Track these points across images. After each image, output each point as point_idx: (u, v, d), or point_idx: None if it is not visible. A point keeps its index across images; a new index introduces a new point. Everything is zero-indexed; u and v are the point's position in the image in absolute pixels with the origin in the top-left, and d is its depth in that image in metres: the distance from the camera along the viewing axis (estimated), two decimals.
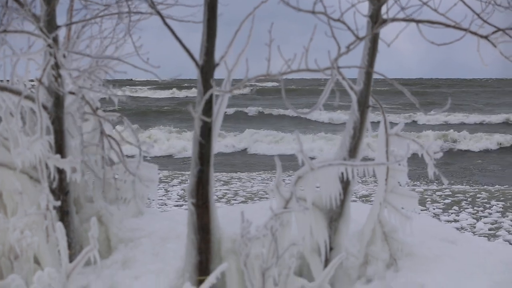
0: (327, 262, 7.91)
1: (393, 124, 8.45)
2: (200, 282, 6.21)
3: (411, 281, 8.01)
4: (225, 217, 8.34)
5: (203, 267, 8.07)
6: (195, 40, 7.68)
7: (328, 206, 8.14)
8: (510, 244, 17.66)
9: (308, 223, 8.06)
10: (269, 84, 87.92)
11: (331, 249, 8.20)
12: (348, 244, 8.31)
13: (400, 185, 8.39)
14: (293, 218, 7.98)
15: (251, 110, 59.31)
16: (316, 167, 7.77)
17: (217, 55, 7.69)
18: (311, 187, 7.92)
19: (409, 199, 8.41)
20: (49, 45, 8.14)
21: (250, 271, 6.67)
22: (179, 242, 8.65)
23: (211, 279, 6.13)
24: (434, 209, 21.99)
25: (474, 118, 56.32)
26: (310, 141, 40.60)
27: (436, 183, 26.23)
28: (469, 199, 23.26)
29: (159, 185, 23.41)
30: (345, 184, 8.08)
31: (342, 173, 7.86)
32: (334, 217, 8.23)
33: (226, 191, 24.06)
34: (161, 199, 22.12)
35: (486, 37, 7.83)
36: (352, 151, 8.13)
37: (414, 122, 53.38)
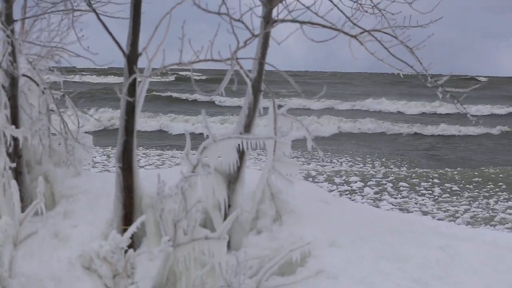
0: (226, 216, 8.37)
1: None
2: (125, 230, 6.37)
3: (293, 233, 8.58)
4: (146, 179, 8.73)
5: (127, 218, 8.51)
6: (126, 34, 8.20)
7: (227, 171, 8.62)
8: (393, 205, 19.74)
9: (211, 184, 8.51)
10: (195, 74, 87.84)
11: (229, 206, 8.67)
12: (243, 202, 8.77)
13: (285, 155, 8.87)
14: (199, 180, 8.43)
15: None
16: (218, 139, 8.29)
17: (140, 47, 8.18)
18: (214, 155, 8.39)
19: (292, 166, 8.96)
20: (7, 36, 8.56)
21: (165, 222, 7.14)
22: (109, 198, 8.99)
23: (132, 228, 6.36)
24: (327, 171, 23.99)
25: (344, 105, 58.54)
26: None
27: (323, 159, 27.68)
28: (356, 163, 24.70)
29: (103, 151, 26.58)
30: (241, 153, 8.57)
31: (239, 145, 8.37)
32: (232, 180, 8.72)
33: (156, 160, 26.17)
34: (104, 163, 24.56)
35: (355, 37, 8.47)
36: (247, 127, 8.65)
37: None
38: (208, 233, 7.24)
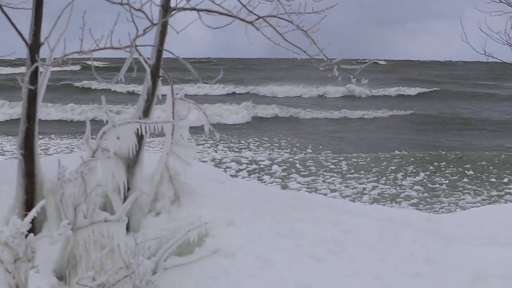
0: (125, 199, 8.36)
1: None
2: (26, 216, 6.08)
3: (191, 214, 8.68)
4: (47, 165, 8.61)
5: (29, 204, 8.36)
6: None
7: (126, 155, 8.61)
8: (301, 184, 20.05)
9: (111, 168, 8.49)
10: (100, 63, 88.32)
11: (128, 189, 8.66)
12: (142, 185, 8.79)
13: (183, 138, 8.96)
14: (98, 164, 8.36)
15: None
16: (117, 124, 8.27)
17: (43, 37, 8.06)
18: (113, 140, 8.35)
19: (190, 149, 9.08)
20: None
21: (65, 206, 7.09)
22: (11, 184, 8.82)
23: (32, 212, 6.19)
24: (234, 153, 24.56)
25: (246, 89, 59.79)
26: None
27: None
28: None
29: (15, 140, 25.38)
30: (140, 138, 8.58)
31: (138, 129, 8.37)
32: (131, 164, 8.72)
33: (65, 148, 25.69)
34: (13, 151, 24.61)
35: (251, 23, 8.60)
36: (146, 112, 8.68)
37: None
38: (107, 216, 7.23)
